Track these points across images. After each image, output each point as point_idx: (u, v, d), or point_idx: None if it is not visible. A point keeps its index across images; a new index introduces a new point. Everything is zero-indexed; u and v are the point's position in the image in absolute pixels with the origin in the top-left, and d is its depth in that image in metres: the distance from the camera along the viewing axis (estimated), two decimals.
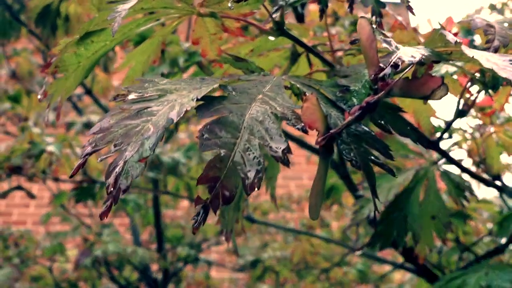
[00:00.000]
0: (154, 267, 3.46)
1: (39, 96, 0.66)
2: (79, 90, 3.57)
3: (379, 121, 0.52)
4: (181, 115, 0.41)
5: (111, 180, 0.40)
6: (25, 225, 5.52)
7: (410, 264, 1.82)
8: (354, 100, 0.53)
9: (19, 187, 1.78)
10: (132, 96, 0.46)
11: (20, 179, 2.37)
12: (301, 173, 5.35)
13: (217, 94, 0.47)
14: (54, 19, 1.66)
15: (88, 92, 2.99)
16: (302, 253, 2.34)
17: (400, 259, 2.54)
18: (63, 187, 3.22)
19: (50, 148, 1.78)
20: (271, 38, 0.82)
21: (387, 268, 3.40)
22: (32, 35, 2.59)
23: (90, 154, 0.45)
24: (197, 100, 0.44)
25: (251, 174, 0.40)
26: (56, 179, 1.83)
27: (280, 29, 0.75)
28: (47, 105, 0.70)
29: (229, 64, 0.64)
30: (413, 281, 3.35)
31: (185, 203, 3.87)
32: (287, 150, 0.42)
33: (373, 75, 0.45)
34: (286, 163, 0.41)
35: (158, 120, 0.42)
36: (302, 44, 0.79)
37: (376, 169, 0.99)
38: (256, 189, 0.39)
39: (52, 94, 0.69)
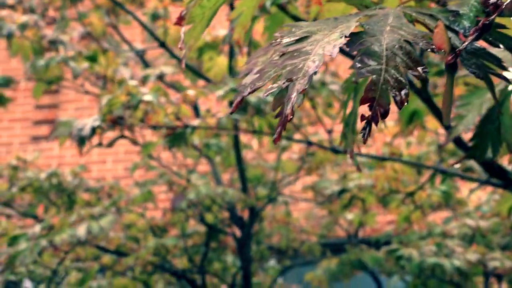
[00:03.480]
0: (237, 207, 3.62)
1: (179, 45, 0.76)
2: (148, 44, 3.70)
3: (488, 38, 0.60)
4: (337, 51, 0.50)
5: (288, 110, 0.50)
6: (105, 181, 5.78)
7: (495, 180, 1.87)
8: (465, 22, 0.60)
9: (123, 136, 1.92)
10: (285, 40, 0.56)
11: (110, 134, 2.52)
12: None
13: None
14: None
15: (162, 44, 3.11)
16: (386, 179, 2.42)
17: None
18: (148, 138, 3.38)
19: (147, 97, 1.91)
20: None
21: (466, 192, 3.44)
22: None
23: (251, 93, 0.55)
24: (345, 37, 0.52)
25: (399, 92, 0.49)
26: (154, 127, 1.96)
27: None
28: (182, 54, 0.79)
29: (344, 1, 0.72)
30: (490, 203, 3.38)
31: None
32: (426, 69, 0.50)
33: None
34: (427, 80, 0.49)
35: (315, 58, 0.51)
36: None
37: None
38: (406, 103, 0.48)
39: (186, 43, 0.79)
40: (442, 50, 0.52)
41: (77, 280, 3.80)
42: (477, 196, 3.65)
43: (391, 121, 3.40)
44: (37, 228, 2.13)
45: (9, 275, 2.46)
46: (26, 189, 3.52)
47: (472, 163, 3.09)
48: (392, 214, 2.86)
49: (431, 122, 2.25)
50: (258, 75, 0.55)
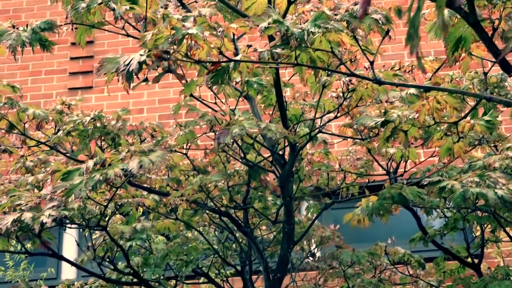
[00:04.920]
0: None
1: None
2: None
3: None
4: None
5: None
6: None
7: None
8: None
9: (169, 71, 1.94)
10: None
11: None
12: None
13: None
14: None
15: None
16: (429, 111, 2.42)
17: None
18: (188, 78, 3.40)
19: (192, 31, 1.92)
20: None
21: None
22: None
23: None
24: None
25: None
26: (198, 62, 1.97)
27: None
28: None
29: None
30: None
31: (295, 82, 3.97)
32: None
33: None
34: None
35: None
36: None
37: None
38: None
39: None
40: None
41: (122, 222, 3.94)
42: None
43: (431, 57, 3.37)
44: (90, 163, 2.20)
45: (63, 211, 2.56)
46: (72, 133, 3.61)
47: None
48: (432, 149, 2.86)
49: (476, 50, 2.23)
50: None
